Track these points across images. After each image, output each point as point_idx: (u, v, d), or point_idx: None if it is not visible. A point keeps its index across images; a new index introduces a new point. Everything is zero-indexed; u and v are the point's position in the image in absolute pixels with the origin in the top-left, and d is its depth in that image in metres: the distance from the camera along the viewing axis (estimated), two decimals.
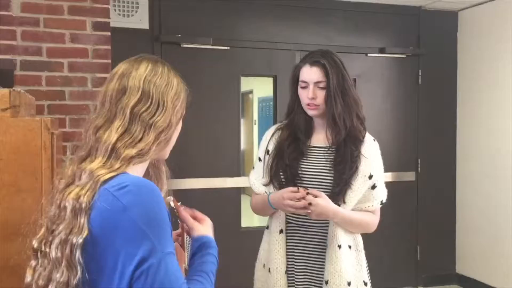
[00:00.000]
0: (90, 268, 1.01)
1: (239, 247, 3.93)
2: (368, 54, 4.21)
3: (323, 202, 1.73)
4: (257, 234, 4.23)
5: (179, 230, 1.44)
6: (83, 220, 1.00)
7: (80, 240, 0.99)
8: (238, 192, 4.09)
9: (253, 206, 2.02)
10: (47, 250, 1.04)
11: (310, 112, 1.85)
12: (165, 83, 1.15)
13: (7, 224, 1.56)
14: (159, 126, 1.11)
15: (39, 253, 1.07)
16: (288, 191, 1.76)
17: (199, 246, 1.20)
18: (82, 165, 1.08)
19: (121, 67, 1.16)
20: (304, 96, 1.84)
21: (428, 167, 4.44)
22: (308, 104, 1.83)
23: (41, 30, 2.72)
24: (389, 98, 4.33)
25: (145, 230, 0.98)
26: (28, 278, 1.07)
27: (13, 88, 1.67)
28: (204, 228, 1.25)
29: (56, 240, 1.02)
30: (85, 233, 1.00)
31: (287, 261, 1.86)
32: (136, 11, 3.60)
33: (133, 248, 0.97)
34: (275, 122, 4.12)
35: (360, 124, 1.85)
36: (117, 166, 1.05)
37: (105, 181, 1.03)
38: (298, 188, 1.77)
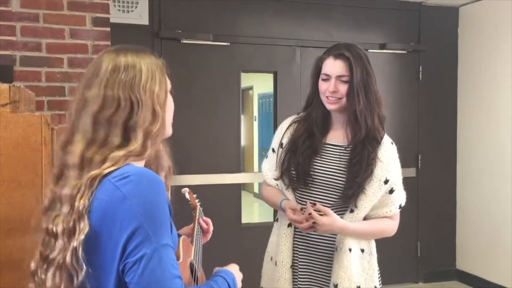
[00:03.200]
0: (93, 263, 1.00)
1: (239, 243, 3.94)
2: (369, 50, 4.19)
3: (328, 220, 1.65)
4: (257, 230, 4.25)
5: (192, 225, 1.45)
6: (81, 226, 0.99)
7: (81, 241, 0.98)
8: (238, 188, 4.09)
9: (264, 196, 1.98)
10: (43, 277, 1.03)
11: (329, 106, 1.77)
12: (131, 76, 1.06)
13: (7, 219, 1.56)
14: (143, 122, 1.05)
15: (36, 278, 1.05)
16: (290, 212, 1.71)
17: (218, 273, 1.18)
18: (59, 186, 1.05)
19: (86, 74, 1.11)
20: (325, 89, 1.76)
21: (429, 163, 4.44)
22: (328, 98, 1.75)
23: (40, 25, 2.71)
24: (389, 94, 4.32)
25: (141, 219, 0.96)
26: None
27: (13, 83, 1.66)
28: (233, 268, 1.24)
29: (51, 270, 1.01)
30: (83, 235, 0.98)
31: (293, 255, 1.82)
32: (136, 7, 3.59)
33: (127, 236, 0.96)
34: (275, 119, 4.14)
35: (380, 124, 1.77)
36: (107, 164, 1.02)
37: (108, 173, 1.01)
38: (301, 209, 1.70)
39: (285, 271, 1.81)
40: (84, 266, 0.99)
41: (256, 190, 8.39)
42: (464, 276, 4.44)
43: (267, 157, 1.97)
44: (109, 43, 2.83)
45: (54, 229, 1.01)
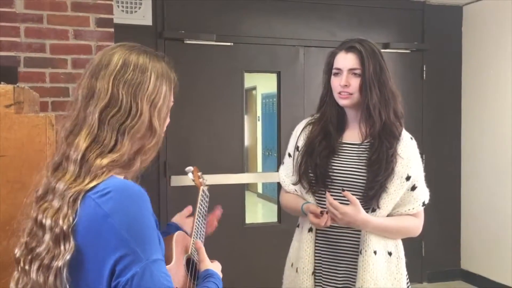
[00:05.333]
0: (79, 281, 0.97)
1: (243, 244, 3.94)
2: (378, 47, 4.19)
3: (353, 211, 1.59)
4: (261, 230, 4.25)
5: (190, 207, 1.40)
6: (67, 246, 0.96)
7: (66, 262, 0.95)
8: (242, 188, 4.09)
9: (283, 205, 1.92)
10: (27, 268, 1.00)
11: (342, 102, 1.70)
12: (138, 80, 1.02)
13: (11, 220, 1.56)
14: (136, 133, 1.01)
15: (19, 267, 1.02)
16: (312, 217, 1.66)
17: (205, 275, 1.17)
18: (55, 176, 1.02)
19: (95, 60, 1.06)
20: (337, 84, 1.70)
21: (433, 162, 4.42)
22: (340, 93, 1.69)
23: (44, 26, 2.72)
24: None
25: (127, 237, 0.93)
26: None
27: (17, 84, 1.67)
28: (214, 265, 1.22)
29: (37, 263, 0.98)
30: (69, 255, 0.95)
31: (315, 262, 1.75)
32: (140, 8, 3.59)
33: (114, 256, 0.93)
34: (279, 119, 4.14)
35: (397, 120, 1.71)
36: (86, 181, 0.98)
37: (90, 189, 0.97)
38: (322, 212, 1.64)
39: (306, 278, 1.74)
40: (66, 285, 0.96)
41: (259, 190, 8.38)
42: (468, 276, 4.42)
43: (283, 163, 1.91)
44: (112, 44, 2.83)
45: (43, 221, 0.98)
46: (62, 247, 0.96)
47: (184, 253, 1.27)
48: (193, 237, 1.32)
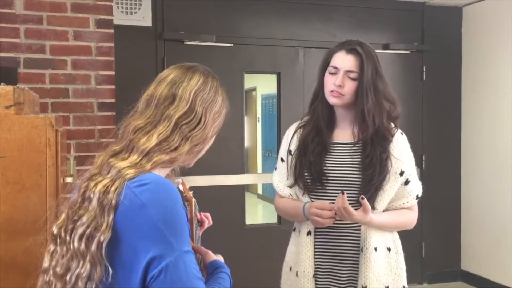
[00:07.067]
0: (113, 263, 1.01)
1: (243, 245, 3.93)
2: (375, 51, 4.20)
3: (361, 217, 1.60)
4: (261, 231, 4.24)
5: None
6: (111, 218, 1.00)
7: (108, 238, 0.99)
8: (242, 189, 4.09)
9: (279, 210, 1.91)
10: (68, 238, 1.04)
11: (332, 100, 1.71)
12: (211, 99, 1.17)
13: (11, 221, 1.56)
14: (196, 140, 1.14)
15: (58, 239, 1.06)
16: (315, 213, 1.64)
17: (213, 269, 1.20)
18: (113, 160, 1.09)
19: (172, 72, 1.20)
20: (330, 82, 1.71)
21: (433, 163, 4.42)
22: (332, 91, 1.70)
23: (44, 27, 2.72)
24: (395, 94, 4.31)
25: (162, 228, 0.98)
26: (46, 264, 1.07)
27: (17, 85, 1.67)
28: (219, 258, 1.27)
29: (79, 231, 1.02)
30: (110, 231, 1.00)
31: (315, 264, 1.75)
32: (139, 9, 3.59)
33: (149, 245, 0.97)
34: (278, 120, 4.14)
35: (390, 124, 1.73)
36: (147, 167, 1.06)
37: (130, 179, 1.03)
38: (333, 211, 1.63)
39: (307, 282, 1.73)
40: (104, 265, 1.00)
41: (260, 191, 8.38)
42: (469, 277, 4.42)
43: (276, 168, 1.91)
44: (112, 44, 2.83)
45: (91, 195, 1.03)
46: (106, 217, 1.00)
47: None
48: (195, 242, 1.34)
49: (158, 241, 0.97)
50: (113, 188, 1.02)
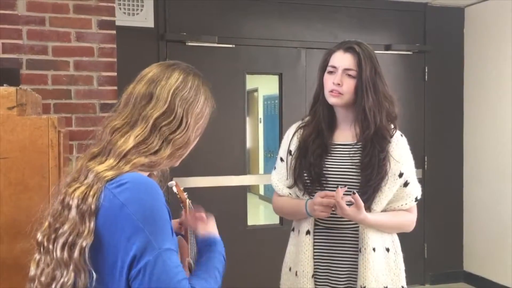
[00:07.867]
0: (99, 267, 1.00)
1: (245, 246, 3.93)
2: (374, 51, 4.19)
3: (354, 213, 1.60)
4: (263, 232, 4.24)
5: (181, 219, 1.42)
6: (92, 224, 0.99)
7: (90, 243, 0.99)
8: (244, 190, 4.09)
9: (278, 208, 1.92)
10: (51, 247, 1.03)
11: (331, 100, 1.71)
12: (192, 99, 1.12)
13: (14, 222, 1.56)
14: (178, 144, 1.10)
15: (42, 248, 1.05)
16: (319, 201, 1.64)
17: (205, 246, 1.19)
18: (91, 163, 1.07)
19: (152, 70, 1.15)
20: (329, 82, 1.71)
21: (435, 164, 4.42)
22: (332, 91, 1.70)
23: (46, 29, 2.72)
24: (395, 95, 4.31)
25: (141, 226, 0.97)
26: (32, 272, 1.07)
27: (20, 86, 1.67)
28: (209, 226, 1.25)
29: (61, 240, 1.01)
30: (92, 236, 0.99)
31: (314, 264, 1.76)
32: (141, 10, 3.59)
33: (130, 244, 0.96)
34: (280, 120, 4.14)
35: (389, 123, 1.74)
36: (125, 169, 1.04)
37: (108, 180, 1.02)
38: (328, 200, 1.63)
39: (306, 281, 1.73)
40: (87, 271, 0.99)
41: (261, 192, 8.38)
42: (471, 278, 4.41)
43: (275, 168, 1.91)
44: (114, 46, 2.83)
45: (70, 202, 1.02)
46: (87, 224, 0.99)
47: (186, 256, 1.28)
48: (189, 250, 1.33)
49: (138, 239, 0.96)
50: (91, 193, 1.01)
